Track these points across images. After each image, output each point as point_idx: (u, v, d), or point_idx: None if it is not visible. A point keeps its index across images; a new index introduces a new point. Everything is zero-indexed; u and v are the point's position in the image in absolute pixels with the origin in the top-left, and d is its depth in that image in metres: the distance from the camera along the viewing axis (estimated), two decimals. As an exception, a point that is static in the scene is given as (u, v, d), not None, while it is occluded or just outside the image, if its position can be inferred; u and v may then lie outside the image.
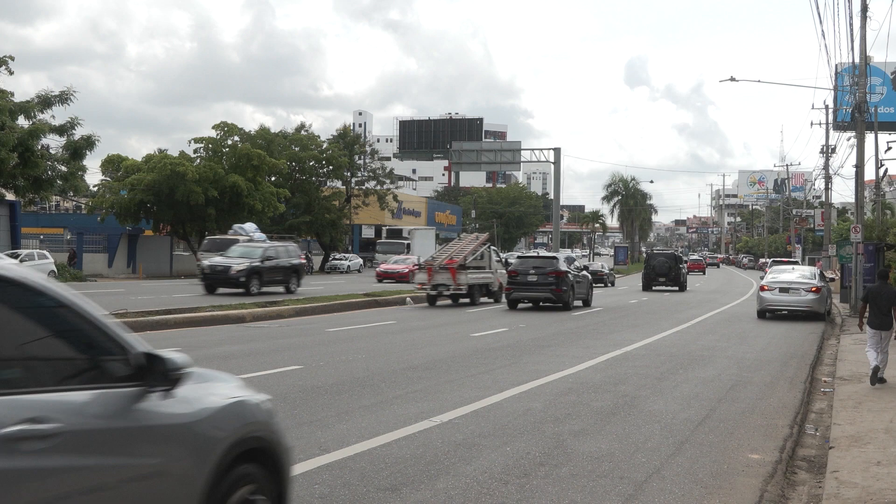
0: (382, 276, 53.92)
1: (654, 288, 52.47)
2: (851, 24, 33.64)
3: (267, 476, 5.42)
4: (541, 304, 33.56)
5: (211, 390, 5.29)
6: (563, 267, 33.64)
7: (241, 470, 5.19)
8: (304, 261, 38.16)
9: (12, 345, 4.17)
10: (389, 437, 9.81)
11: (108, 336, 4.62)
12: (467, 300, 35.13)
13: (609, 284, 59.06)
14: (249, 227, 43.48)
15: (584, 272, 38.31)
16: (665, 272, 52.02)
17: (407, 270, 50.66)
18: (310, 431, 10.03)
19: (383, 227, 77.36)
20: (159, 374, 4.69)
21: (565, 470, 8.73)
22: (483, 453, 9.28)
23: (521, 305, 33.61)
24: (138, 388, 4.61)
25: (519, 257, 36.89)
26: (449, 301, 35.32)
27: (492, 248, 38.51)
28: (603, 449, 9.68)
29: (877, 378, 14.90)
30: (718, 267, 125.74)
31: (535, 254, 40.57)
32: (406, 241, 71.51)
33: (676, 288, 52.38)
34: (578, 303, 34.97)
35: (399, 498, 7.58)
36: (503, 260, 40.54)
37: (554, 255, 38.35)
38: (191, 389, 5.00)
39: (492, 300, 36.44)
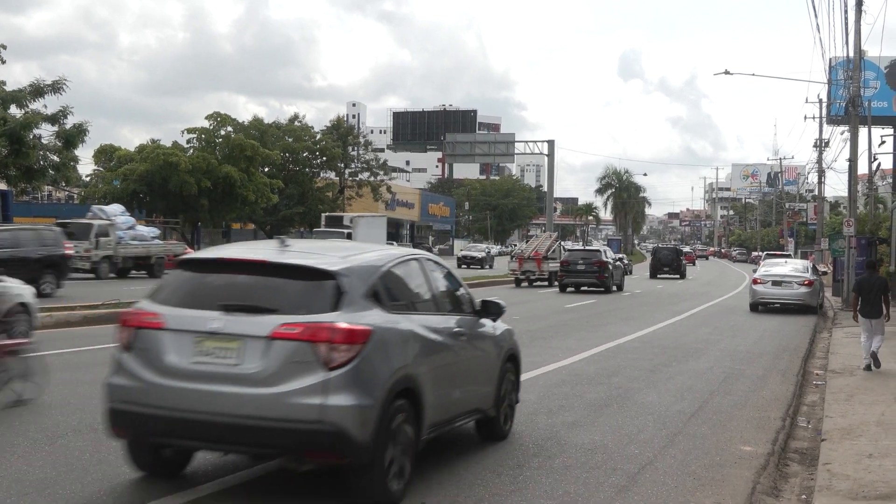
0: None
1: (658, 276, 58.65)
2: (846, 18, 33.57)
3: (515, 370, 10.19)
4: (585, 287, 39.54)
5: (502, 324, 9.99)
6: (605, 258, 40.61)
7: (508, 365, 9.87)
8: (69, 252, 28.79)
9: (447, 293, 8.98)
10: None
11: (467, 292, 9.40)
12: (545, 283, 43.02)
13: (628, 273, 60.04)
14: (113, 208, 40.52)
15: (619, 262, 45.26)
16: (669, 263, 59.94)
17: None
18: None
19: (322, 214, 66.65)
20: (486, 312, 9.38)
21: (559, 461, 8.75)
22: (476, 445, 9.28)
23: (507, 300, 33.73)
24: (477, 318, 9.23)
25: (569, 250, 44.88)
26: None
27: (560, 242, 48.08)
28: (596, 440, 9.70)
29: (871, 367, 15.48)
30: (707, 259, 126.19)
31: (583, 247, 51.66)
32: (347, 230, 57.16)
33: (678, 276, 58.93)
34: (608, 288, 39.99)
35: (392, 489, 7.56)
36: None
37: (598, 248, 48.43)
38: (497, 322, 9.77)
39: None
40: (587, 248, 49.01)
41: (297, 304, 6.93)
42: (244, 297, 7.07)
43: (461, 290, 9.25)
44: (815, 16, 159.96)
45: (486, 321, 9.38)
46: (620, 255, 56.57)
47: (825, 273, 43.44)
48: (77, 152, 41.89)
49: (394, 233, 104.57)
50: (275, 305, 6.93)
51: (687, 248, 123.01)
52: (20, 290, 15.41)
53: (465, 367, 8.66)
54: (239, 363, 6.77)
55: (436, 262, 9.11)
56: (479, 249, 76.78)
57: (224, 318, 6.87)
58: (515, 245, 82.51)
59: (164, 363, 6.93)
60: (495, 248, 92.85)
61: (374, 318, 7.11)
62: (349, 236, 57.99)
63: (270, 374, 6.66)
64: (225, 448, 7.34)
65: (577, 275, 39.46)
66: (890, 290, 17.81)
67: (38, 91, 37.42)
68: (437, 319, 8.30)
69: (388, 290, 7.64)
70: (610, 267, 40.28)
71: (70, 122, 39.15)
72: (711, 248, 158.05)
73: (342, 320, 6.82)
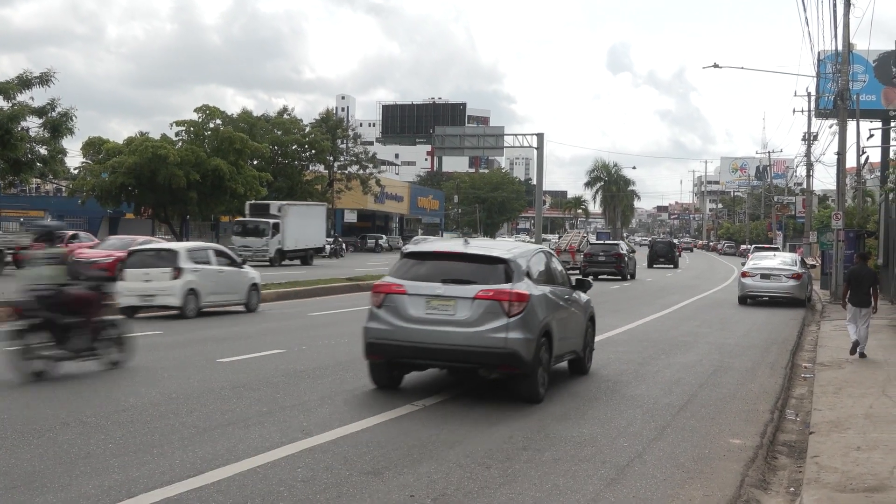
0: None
1: (654, 266, 63.60)
2: (835, 12, 33.64)
3: (593, 327, 14.41)
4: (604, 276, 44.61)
5: (585, 296, 14.09)
6: (622, 251, 47.35)
7: (590, 323, 14.06)
8: None
9: (558, 273, 13.42)
10: (372, 422, 9.82)
11: (565, 272, 13.82)
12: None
13: None
14: None
15: (632, 254, 51.69)
16: (664, 254, 66.81)
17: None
18: (292, 416, 10.02)
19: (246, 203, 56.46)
20: (581, 287, 14.05)
21: (548, 454, 8.75)
22: (466, 438, 9.29)
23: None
24: (574, 290, 13.59)
25: (591, 244, 52.15)
26: None
27: (587, 237, 55.28)
28: (585, 433, 9.71)
29: (856, 351, 16.22)
30: (692, 251, 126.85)
31: (603, 241, 60.71)
32: (273, 220, 50.54)
33: (672, 265, 65.59)
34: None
35: (382, 481, 7.58)
36: None
37: (617, 241, 60.02)
38: (582, 296, 13.94)
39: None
40: (607, 241, 60.11)
41: (486, 277, 11.34)
42: (455, 274, 11.46)
43: (563, 271, 13.85)
44: (804, 9, 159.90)
45: (579, 293, 13.99)
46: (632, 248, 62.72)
47: (813, 266, 43.49)
48: (65, 145, 41.74)
49: (382, 226, 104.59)
50: (474, 279, 11.34)
51: (676, 241, 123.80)
52: (254, 273, 24.23)
53: (571, 321, 13.07)
54: (454, 314, 11.14)
55: (551, 254, 13.84)
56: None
57: (443, 286, 11.26)
58: (504, 238, 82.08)
59: (407, 314, 11.26)
60: None
61: (529, 287, 11.48)
62: (276, 227, 50.81)
63: (474, 319, 11.03)
64: (444, 365, 11.84)
65: (599, 265, 46.00)
66: (879, 283, 18.54)
67: (25, 83, 37.21)
68: (557, 290, 12.75)
69: (533, 271, 12.05)
70: (626, 258, 46.79)
71: (58, 112, 38.95)
72: (700, 242, 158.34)
73: (515, 288, 11.19)
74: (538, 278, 12.14)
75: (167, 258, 21.28)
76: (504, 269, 11.47)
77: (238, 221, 50.47)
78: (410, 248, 15.12)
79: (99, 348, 12.86)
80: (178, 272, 20.80)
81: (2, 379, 11.73)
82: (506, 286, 11.19)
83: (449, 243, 14.59)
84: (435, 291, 11.26)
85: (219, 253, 23.39)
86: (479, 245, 12.86)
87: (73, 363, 12.49)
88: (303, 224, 53.54)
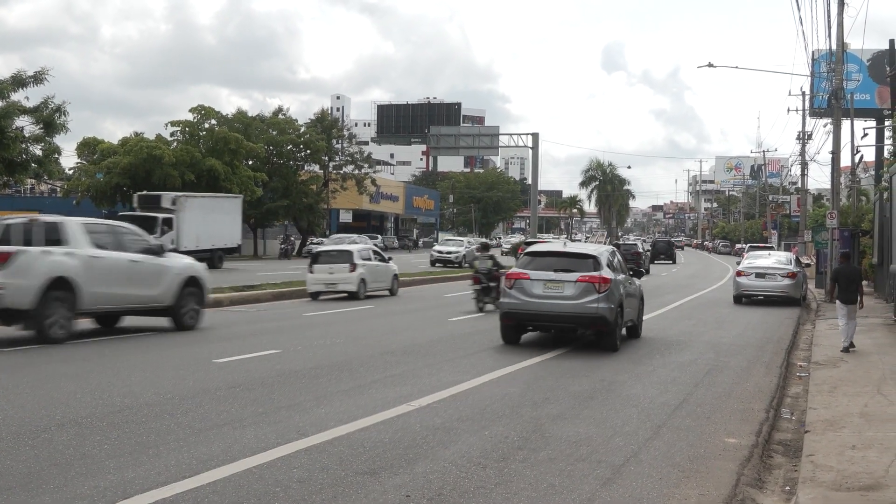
0: None
1: (656, 262, 69.82)
2: (829, 11, 33.74)
3: (643, 305, 20.51)
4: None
5: (638, 280, 21.06)
6: (640, 249, 56.29)
7: (641, 302, 20.32)
8: None
9: (622, 264, 19.17)
10: (367, 422, 9.81)
11: (625, 264, 20.10)
12: None
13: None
14: None
15: (648, 252, 61.46)
16: (664, 251, 78.85)
17: None
18: (288, 416, 10.01)
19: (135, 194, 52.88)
20: (636, 275, 24.64)
21: (543, 454, 8.75)
22: (461, 437, 9.29)
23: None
24: (632, 276, 20.19)
25: (613, 244, 54.61)
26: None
27: (608, 237, 77.88)
28: (581, 433, 9.71)
29: (849, 350, 17.06)
30: (682, 249, 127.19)
31: (624, 241, 73.03)
32: (165, 215, 45.03)
33: (671, 261, 75.50)
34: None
35: (377, 482, 7.57)
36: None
37: (634, 241, 75.11)
38: (637, 281, 20.58)
39: None
40: (626, 241, 74.61)
41: (581, 267, 16.82)
42: (561, 266, 16.97)
43: (624, 264, 19.44)
44: (798, 8, 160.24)
45: (635, 279, 20.37)
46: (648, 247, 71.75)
47: (808, 265, 43.58)
48: (60, 144, 41.52)
49: (378, 226, 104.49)
50: (574, 268, 16.81)
51: (672, 240, 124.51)
52: (395, 267, 32.18)
53: (632, 299, 18.66)
54: (563, 291, 16.56)
55: (615, 252, 19.06)
56: (455, 244, 60.72)
57: (555, 274, 16.73)
58: (500, 238, 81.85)
59: (531, 292, 16.69)
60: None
61: (611, 274, 16.95)
62: (167, 222, 44.44)
63: (576, 295, 16.44)
64: (556, 326, 17.39)
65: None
66: (862, 280, 20.46)
67: (19, 82, 37.12)
68: (623, 277, 18.17)
69: (612, 262, 17.67)
70: (643, 256, 54.65)
71: (50, 109, 38.78)
72: (695, 241, 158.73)
73: (602, 274, 16.64)
74: (615, 268, 17.74)
75: (345, 257, 29.14)
76: (593, 261, 17.11)
77: (123, 216, 41.30)
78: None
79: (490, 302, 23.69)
80: (353, 267, 28.66)
81: (-3, 380, 11.72)
82: (595, 273, 16.75)
83: (554, 245, 22.09)
84: (550, 277, 16.85)
85: (375, 252, 31.62)
86: (574, 246, 20.16)
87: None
88: (208, 220, 46.85)
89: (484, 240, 39.62)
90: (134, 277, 17.43)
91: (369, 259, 30.36)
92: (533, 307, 16.73)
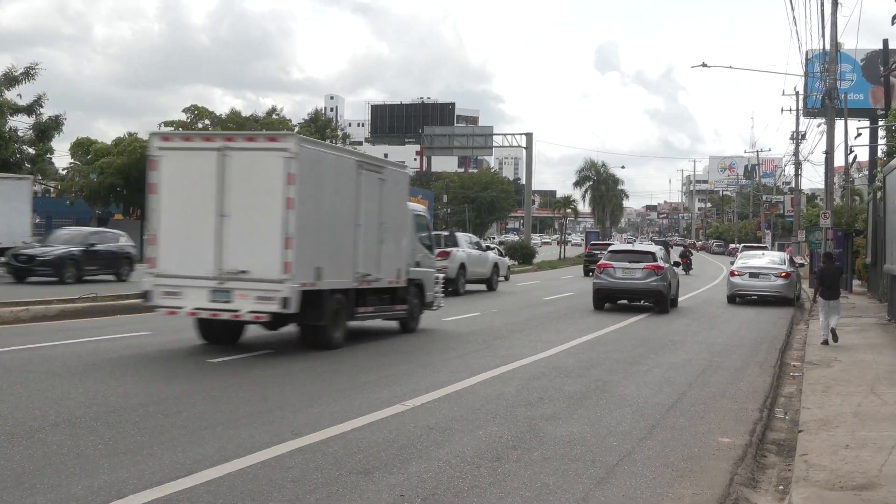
0: None
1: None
2: (822, 11, 33.85)
3: (678, 285, 30.76)
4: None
5: (675, 270, 31.62)
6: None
7: (677, 282, 30.46)
8: None
9: (667, 258, 31.53)
10: (362, 422, 9.81)
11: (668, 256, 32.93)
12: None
13: None
14: None
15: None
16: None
17: None
18: (282, 416, 10.01)
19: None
20: (675, 265, 37.27)
21: (538, 454, 8.76)
22: (456, 437, 9.29)
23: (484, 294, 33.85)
24: (674, 266, 33.37)
25: (662, 243, 63.19)
26: None
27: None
28: (575, 433, 9.71)
29: (834, 337, 18.21)
30: (671, 247, 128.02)
31: (671, 241, 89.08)
32: None
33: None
34: None
35: (371, 482, 7.57)
36: None
37: (651, 244, 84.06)
38: (673, 270, 30.21)
39: None
40: (677, 242, 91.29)
41: (645, 259, 27.10)
42: (632, 258, 27.31)
43: (667, 256, 29.97)
44: (792, 8, 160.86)
45: (674, 268, 30.48)
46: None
47: (802, 265, 43.62)
48: (53, 145, 41.56)
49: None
50: (640, 260, 27.05)
51: (668, 240, 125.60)
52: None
53: (674, 280, 28.66)
54: (634, 274, 26.52)
55: (663, 249, 32.51)
56: None
57: (629, 263, 26.85)
58: (494, 238, 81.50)
59: (613, 275, 26.79)
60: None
61: (664, 263, 27.54)
62: None
63: (643, 277, 26.48)
64: (629, 297, 27.44)
65: None
66: (842, 275, 23.79)
67: (11, 79, 37.07)
68: (669, 265, 28.50)
69: (663, 256, 28.67)
70: (692, 254, 65.20)
71: (45, 111, 38.80)
72: (689, 241, 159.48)
73: (659, 263, 26.93)
74: (664, 260, 28.02)
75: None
76: (652, 256, 27.38)
77: None
78: None
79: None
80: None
81: (-10, 380, 11.71)
82: (654, 263, 26.75)
83: (626, 245, 34.08)
84: (625, 266, 26.77)
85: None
86: (640, 246, 31.98)
87: None
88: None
89: None
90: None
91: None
92: (615, 285, 26.84)
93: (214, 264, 14.62)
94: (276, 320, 15.22)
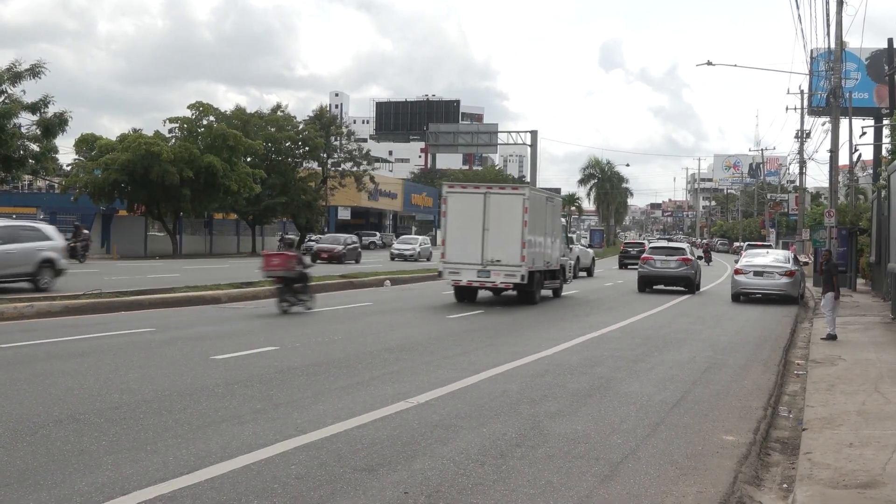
0: None
1: None
2: (827, 9, 33.82)
3: (700, 275, 39.05)
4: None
5: (697, 262, 38.98)
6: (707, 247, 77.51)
7: (701, 270, 39.58)
8: None
9: (694, 252, 42.74)
10: (365, 419, 9.81)
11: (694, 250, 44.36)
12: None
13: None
14: None
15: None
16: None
17: None
18: (286, 413, 10.01)
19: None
20: (698, 258, 44.81)
21: (541, 451, 8.76)
22: (459, 434, 9.29)
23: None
24: (698, 259, 42.22)
25: (691, 241, 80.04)
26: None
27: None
28: (579, 430, 9.71)
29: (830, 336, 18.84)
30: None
31: (697, 240, 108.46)
32: None
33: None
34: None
35: (375, 479, 7.58)
36: None
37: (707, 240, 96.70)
38: (698, 262, 39.12)
39: None
40: (704, 241, 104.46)
41: (678, 252, 36.51)
42: (668, 252, 36.57)
43: (693, 250, 42.20)
44: (797, 7, 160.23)
45: (698, 259, 40.89)
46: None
47: (806, 263, 43.62)
48: (58, 141, 41.65)
49: (376, 223, 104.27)
50: (675, 254, 36.14)
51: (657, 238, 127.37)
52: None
53: (700, 269, 38.09)
54: (670, 265, 35.33)
55: (693, 244, 64.89)
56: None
57: (665, 256, 35.87)
58: None
59: (654, 266, 35.58)
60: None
61: (692, 256, 36.92)
62: None
63: (677, 266, 35.21)
64: (666, 283, 35.56)
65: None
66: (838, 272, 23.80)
67: (16, 76, 37.08)
68: (695, 258, 38.16)
69: (692, 250, 39.62)
70: (711, 250, 76.30)
71: (51, 110, 38.83)
72: (694, 240, 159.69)
73: (689, 256, 36.26)
74: (692, 253, 36.96)
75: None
76: (683, 250, 37.06)
77: None
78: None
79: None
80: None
81: (-5, 376, 11.72)
82: (685, 255, 35.69)
83: (661, 242, 46.38)
84: (663, 258, 35.28)
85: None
86: (673, 241, 57.44)
87: None
88: None
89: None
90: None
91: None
92: (655, 272, 35.14)
93: (481, 256, 25.71)
94: (512, 287, 26.55)
